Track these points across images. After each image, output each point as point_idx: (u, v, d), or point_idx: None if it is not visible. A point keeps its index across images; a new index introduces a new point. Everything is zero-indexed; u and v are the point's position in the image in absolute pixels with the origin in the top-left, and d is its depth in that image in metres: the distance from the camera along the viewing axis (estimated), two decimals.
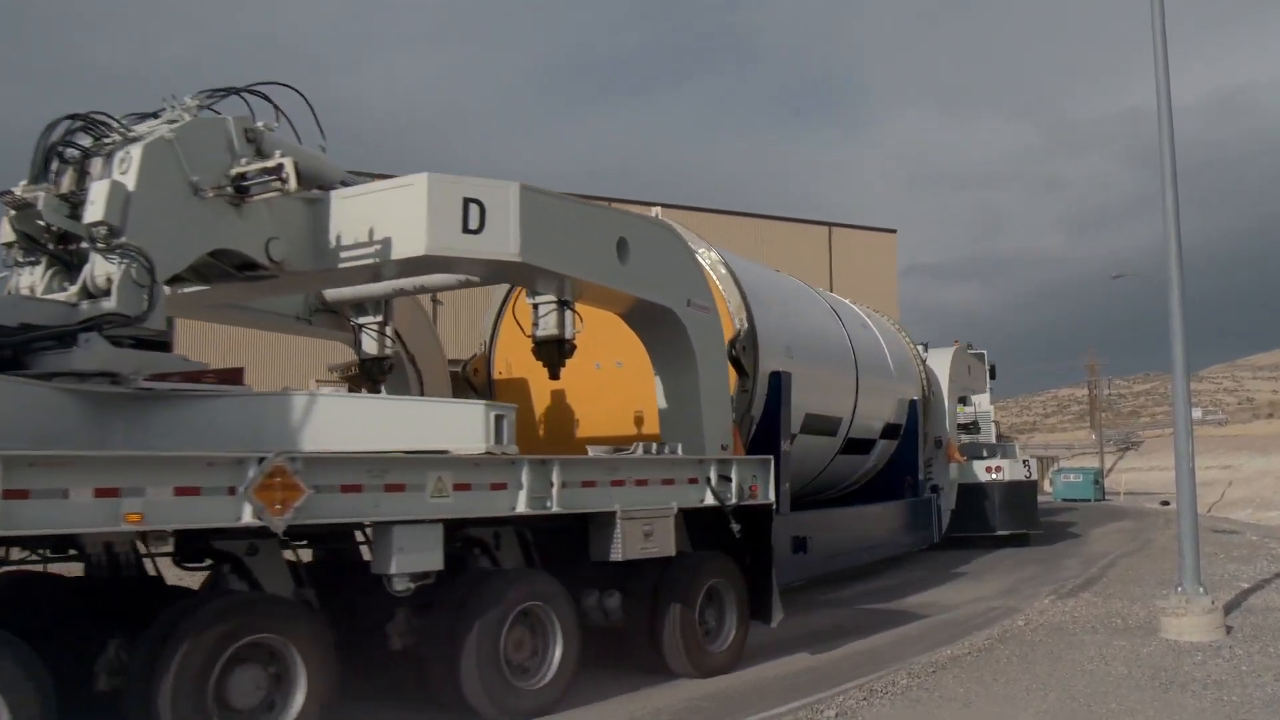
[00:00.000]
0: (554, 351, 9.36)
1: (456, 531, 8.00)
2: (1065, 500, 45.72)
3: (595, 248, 8.76)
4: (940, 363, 21.58)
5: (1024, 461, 23.35)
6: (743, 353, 12.08)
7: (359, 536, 8.37)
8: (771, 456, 10.52)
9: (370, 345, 10.88)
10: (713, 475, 9.60)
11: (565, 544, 8.97)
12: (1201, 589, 11.28)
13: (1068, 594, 14.36)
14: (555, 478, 7.99)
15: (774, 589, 10.11)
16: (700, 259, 11.98)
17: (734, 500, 9.75)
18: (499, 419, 7.35)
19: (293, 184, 7.21)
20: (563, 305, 9.28)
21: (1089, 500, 46.09)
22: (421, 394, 12.16)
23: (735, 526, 9.90)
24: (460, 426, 7.47)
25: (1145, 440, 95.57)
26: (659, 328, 9.89)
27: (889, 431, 17.99)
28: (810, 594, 14.61)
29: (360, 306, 10.88)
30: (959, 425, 23.44)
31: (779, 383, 12.69)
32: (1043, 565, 18.78)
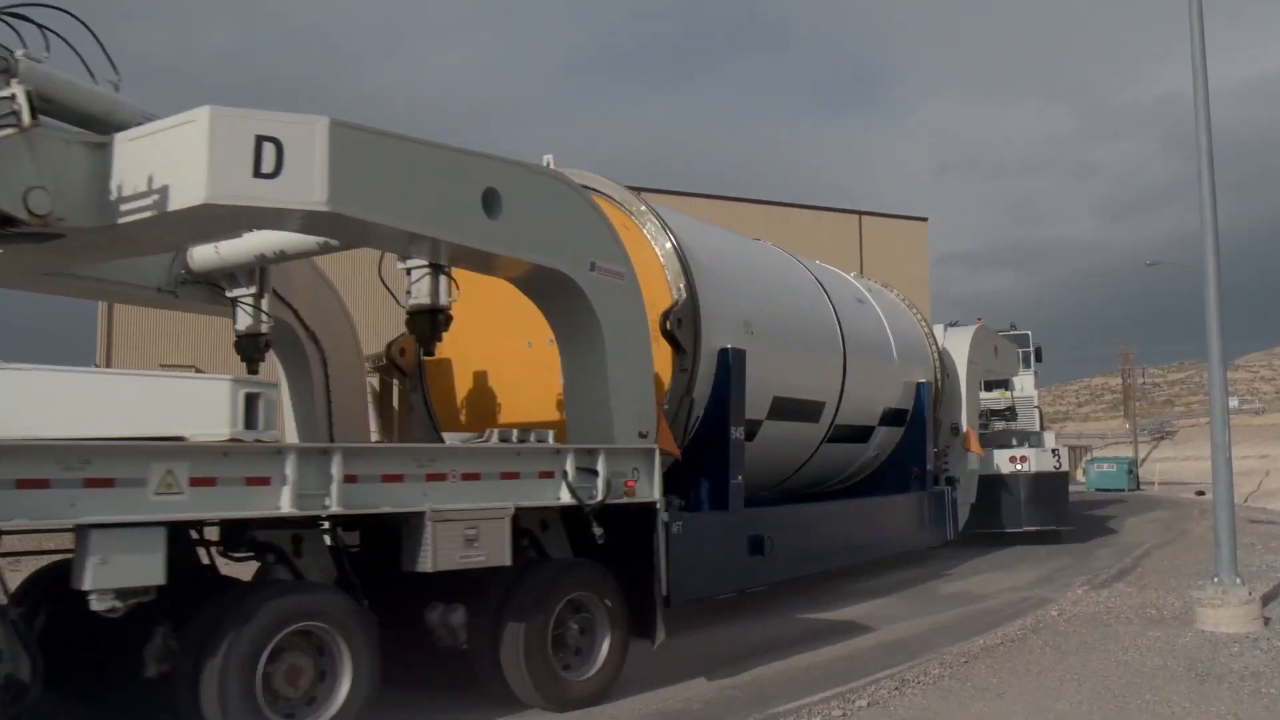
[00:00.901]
0: (427, 324, 8.37)
1: (241, 535, 7.01)
2: (1099, 490, 45.35)
3: (450, 199, 7.38)
4: (958, 343, 19.82)
5: (1053, 451, 20.83)
6: (678, 327, 10.62)
7: None
8: (655, 446, 8.84)
9: (244, 321, 9.73)
10: (569, 468, 8.02)
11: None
12: (1238, 579, 11.15)
13: (1102, 584, 14.25)
14: (336, 471, 6.67)
15: (658, 604, 8.57)
16: (634, 218, 11.01)
17: (599, 498, 8.18)
18: (251, 399, 6.28)
19: (26, 119, 5.97)
20: (436, 270, 8.27)
21: (1123, 490, 45.65)
22: (326, 377, 11.12)
23: (597, 531, 8.31)
24: (202, 408, 6.34)
25: (1180, 429, 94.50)
26: (555, 296, 8.68)
27: (892, 418, 16.51)
28: (841, 583, 14.56)
29: (233, 277, 9.68)
30: (992, 411, 22.34)
31: (730, 362, 11.21)
32: (1076, 555, 18.62)
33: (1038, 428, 24.71)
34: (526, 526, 8.10)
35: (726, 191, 45.08)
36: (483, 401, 11.57)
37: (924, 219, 52.84)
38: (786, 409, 13.12)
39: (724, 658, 9.78)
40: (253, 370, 9.89)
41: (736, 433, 11.23)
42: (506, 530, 7.49)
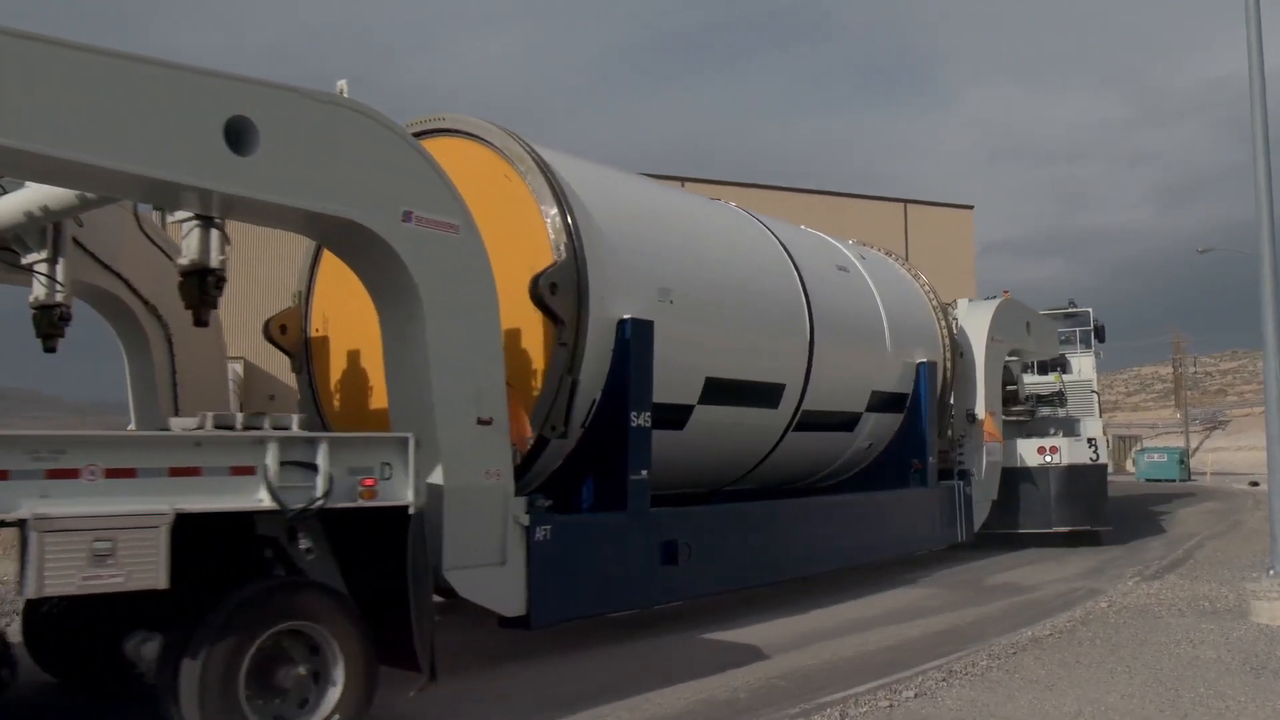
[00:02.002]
0: (195, 287, 7.22)
1: None
2: (1149, 480, 44.75)
3: (180, 131, 6.00)
4: (977, 319, 17.36)
5: (1089, 440, 18.40)
6: (552, 293, 8.87)
7: None
8: (408, 436, 6.72)
9: (38, 291, 8.51)
10: (270, 463, 6.14)
11: None
12: None
13: (1152, 576, 14.05)
14: None
15: (415, 633, 6.61)
16: (517, 168, 9.32)
17: (317, 501, 6.26)
18: None
19: None
20: (205, 223, 7.04)
21: (1174, 481, 44.96)
22: (171, 354, 9.74)
23: (304, 545, 6.60)
24: None
25: (1233, 419, 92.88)
26: (359, 254, 7.35)
27: (886, 403, 14.56)
28: (887, 574, 14.43)
29: (21, 241, 8.48)
30: (1039, 397, 20.57)
31: (629, 335, 9.47)
32: (1126, 547, 18.38)
33: (1096, 415, 22.62)
34: (265, 534, 6.59)
35: (773, 181, 44.91)
36: (353, 386, 10.09)
37: (969, 207, 52.26)
38: (728, 392, 11.20)
39: (770, 647, 9.76)
40: (49, 349, 8.67)
41: (639, 419, 9.49)
42: (161, 543, 5.68)
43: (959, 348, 16.61)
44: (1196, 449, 66.46)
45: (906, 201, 48.93)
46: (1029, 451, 18.04)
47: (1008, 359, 18.87)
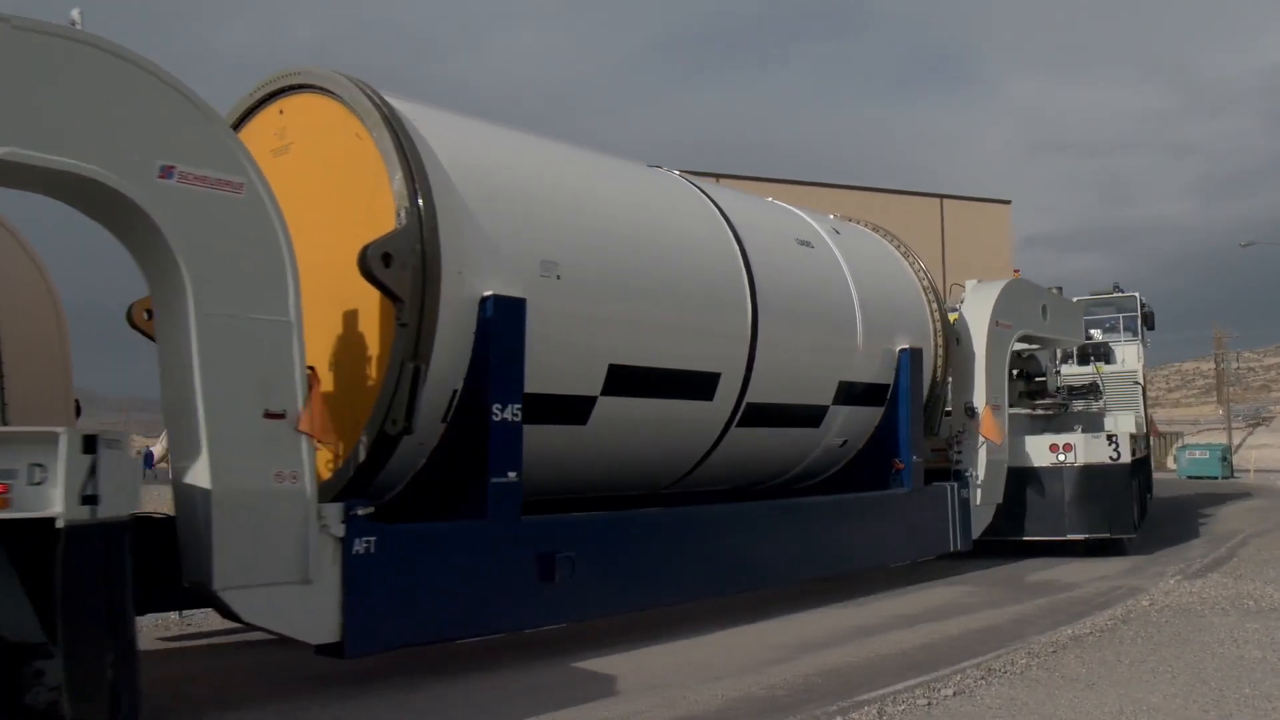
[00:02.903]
0: None
1: None
2: (1190, 478, 44.20)
3: None
4: (979, 302, 15.25)
5: (1109, 437, 16.07)
6: (385, 265, 7.45)
7: None
8: (60, 432, 5.33)
9: None
10: None
11: None
12: None
13: (1195, 574, 13.84)
14: None
15: (69, 677, 5.19)
16: (364, 122, 7.99)
17: None
18: None
19: None
20: None
21: (1215, 478, 44.35)
22: None
23: None
24: None
25: (1276, 415, 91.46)
26: (111, 219, 6.38)
27: (861, 395, 12.72)
28: (926, 571, 14.33)
29: None
30: (1071, 389, 18.88)
31: (493, 314, 8.04)
32: (1167, 544, 18.10)
33: (1140, 409, 20.93)
34: None
35: (807, 177, 44.74)
36: None
37: (1007, 201, 51.83)
38: (641, 381, 9.62)
39: (807, 643, 9.72)
40: None
41: (505, 412, 8.10)
42: None
43: (954, 334, 14.78)
44: (1239, 446, 65.50)
45: (943, 196, 48.63)
46: (1039, 449, 16.00)
47: (1031, 348, 17.55)
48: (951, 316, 15.08)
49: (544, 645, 9.37)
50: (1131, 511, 16.49)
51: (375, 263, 7.47)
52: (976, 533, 14.65)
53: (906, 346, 13.29)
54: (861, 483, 13.13)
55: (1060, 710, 7.09)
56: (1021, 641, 9.58)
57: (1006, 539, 15.61)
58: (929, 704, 7.30)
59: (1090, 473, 15.82)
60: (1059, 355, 20.72)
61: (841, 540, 12.22)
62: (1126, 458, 16.08)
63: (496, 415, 8.08)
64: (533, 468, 8.51)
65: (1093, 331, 22.49)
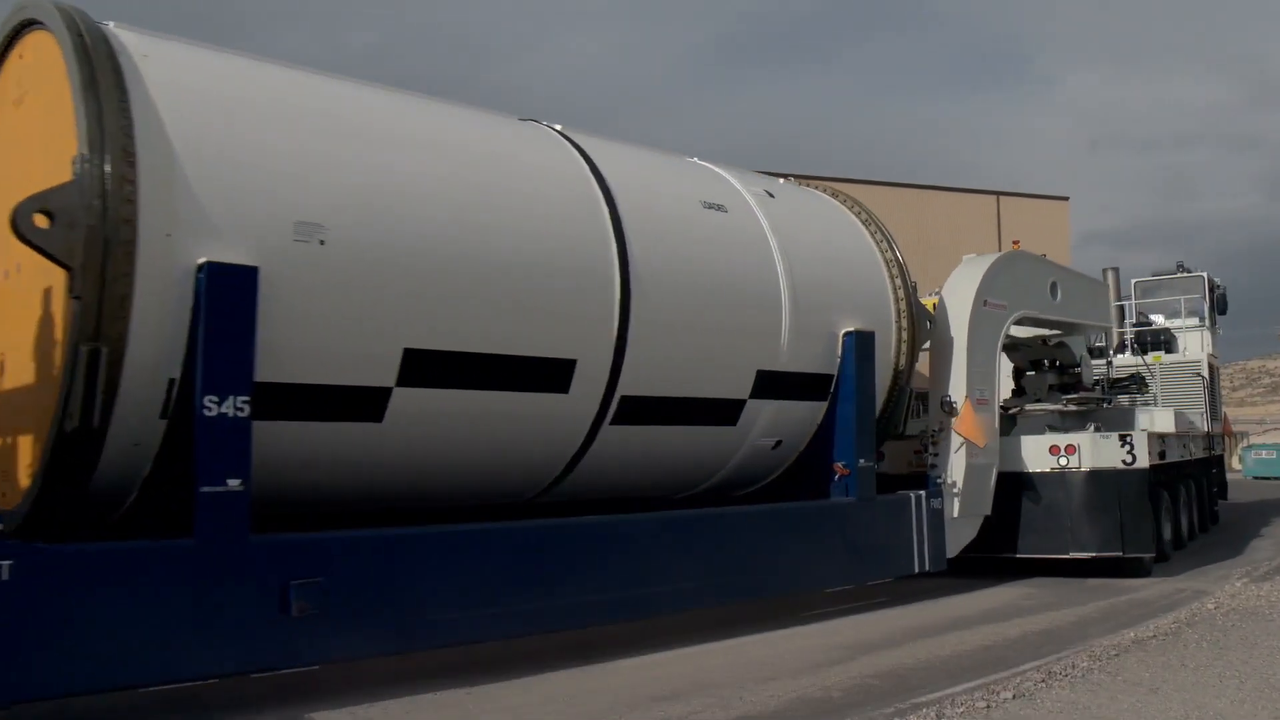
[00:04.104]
0: None
1: None
2: (1256, 478, 43.33)
3: None
4: (963, 280, 12.99)
5: (1121, 437, 13.42)
6: (43, 223, 6.01)
7: None
8: None
9: None
10: None
11: None
12: None
13: (1262, 577, 13.51)
14: None
15: None
16: (54, 36, 6.58)
17: None
18: None
19: None
20: None
21: None
22: None
23: None
24: None
25: None
26: None
27: (793, 387, 10.58)
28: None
29: None
30: (1113, 382, 16.88)
31: (207, 288, 6.47)
32: (1231, 546, 17.68)
33: (1203, 407, 18.75)
34: None
35: (865, 175, 44.47)
36: None
37: (1065, 198, 51.02)
38: (453, 369, 7.88)
39: (864, 645, 9.65)
40: None
41: (224, 406, 6.59)
42: None
43: (926, 315, 12.64)
44: None
45: (999, 194, 48.01)
46: (1037, 451, 13.48)
47: (1053, 333, 15.68)
48: (930, 302, 13.06)
49: (585, 641, 9.43)
50: (1149, 525, 13.67)
51: (27, 222, 6.00)
52: (955, 549, 12.42)
53: (853, 329, 11.08)
54: (804, 491, 11.13)
55: (1123, 715, 6.98)
56: (1082, 644, 9.42)
57: (998, 557, 13.33)
58: (988, 707, 7.22)
59: (1099, 479, 13.28)
60: (1111, 343, 19.07)
61: (759, 560, 10.14)
62: (1143, 461, 13.42)
63: (210, 409, 6.50)
64: (309, 473, 7.29)
65: (1153, 317, 21.04)
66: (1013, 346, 16.09)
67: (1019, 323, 14.49)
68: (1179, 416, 16.80)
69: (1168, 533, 15.18)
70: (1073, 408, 15.59)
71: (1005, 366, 16.27)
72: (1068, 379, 15.98)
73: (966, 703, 7.30)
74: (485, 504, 9.15)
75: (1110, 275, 21.24)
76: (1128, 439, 13.50)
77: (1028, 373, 16.40)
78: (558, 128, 9.82)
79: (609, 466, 9.47)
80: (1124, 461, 13.43)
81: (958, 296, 12.94)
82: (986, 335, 13.06)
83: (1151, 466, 13.91)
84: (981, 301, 12.87)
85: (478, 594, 7.94)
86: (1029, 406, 15.61)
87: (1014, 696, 7.45)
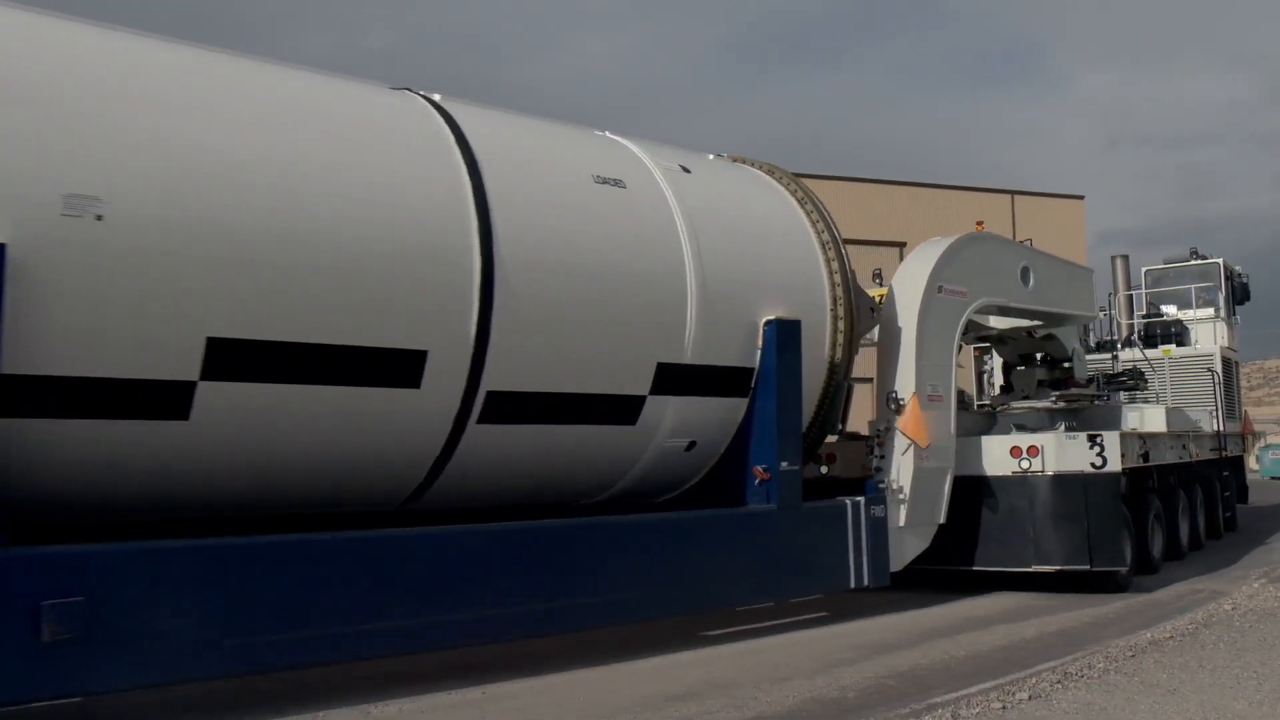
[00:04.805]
0: None
1: None
2: (1274, 478, 43.16)
3: None
4: (915, 264, 11.82)
5: (1091, 438, 11.97)
6: None
7: None
8: None
9: None
10: None
11: None
12: None
13: None
14: None
15: None
16: None
17: None
18: None
19: None
20: None
21: None
22: None
23: None
24: None
25: None
26: None
27: (704, 382, 9.44)
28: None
29: None
30: (1109, 377, 15.91)
31: None
32: (1248, 547, 17.57)
33: (1214, 405, 17.34)
34: None
35: (881, 174, 44.37)
36: None
37: (1080, 197, 50.88)
38: (271, 360, 6.92)
39: (880, 645, 9.61)
40: None
41: None
42: None
43: (868, 302, 11.42)
44: None
45: (1014, 193, 47.86)
46: (998, 454, 12.11)
47: (1031, 324, 14.52)
48: (878, 292, 11.87)
49: (600, 642, 9.42)
50: (1122, 535, 12.34)
51: None
52: (900, 562, 11.19)
53: (775, 317, 9.94)
54: (727, 497, 10.08)
55: (1139, 716, 6.95)
56: (1099, 645, 9.38)
57: (954, 569, 12.06)
58: (1004, 708, 7.20)
59: (1064, 484, 11.89)
60: (1122, 336, 18.36)
61: (653, 575, 9.01)
62: (1115, 464, 11.99)
63: None
64: (103, 477, 6.53)
65: (1165, 308, 19.90)
66: (1000, 340, 15.40)
67: (987, 311, 13.47)
68: (1174, 414, 15.64)
69: (1157, 543, 14.25)
70: (1061, 405, 14.50)
71: (997, 361, 16.01)
72: (1059, 374, 15.09)
73: (982, 703, 7.28)
74: (353, 512, 8.15)
75: (1119, 263, 20.51)
76: (1097, 439, 12.08)
77: (1017, 368, 15.57)
78: (436, 97, 8.71)
79: (488, 470, 8.48)
80: (1093, 464, 12.05)
81: (908, 283, 11.72)
82: (941, 325, 11.77)
83: (1133, 470, 13.00)
84: (936, 288, 11.66)
85: (270, 617, 6.83)
86: (1015, 404, 14.74)
87: (1030, 697, 7.42)
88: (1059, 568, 11.88)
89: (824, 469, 12.21)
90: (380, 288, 7.40)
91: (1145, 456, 13.45)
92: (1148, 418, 14.78)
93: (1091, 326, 17.13)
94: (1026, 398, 14.77)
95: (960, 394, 13.75)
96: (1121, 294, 20.14)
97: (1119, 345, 18.33)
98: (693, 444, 9.77)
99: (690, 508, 10.01)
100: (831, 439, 11.82)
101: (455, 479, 8.32)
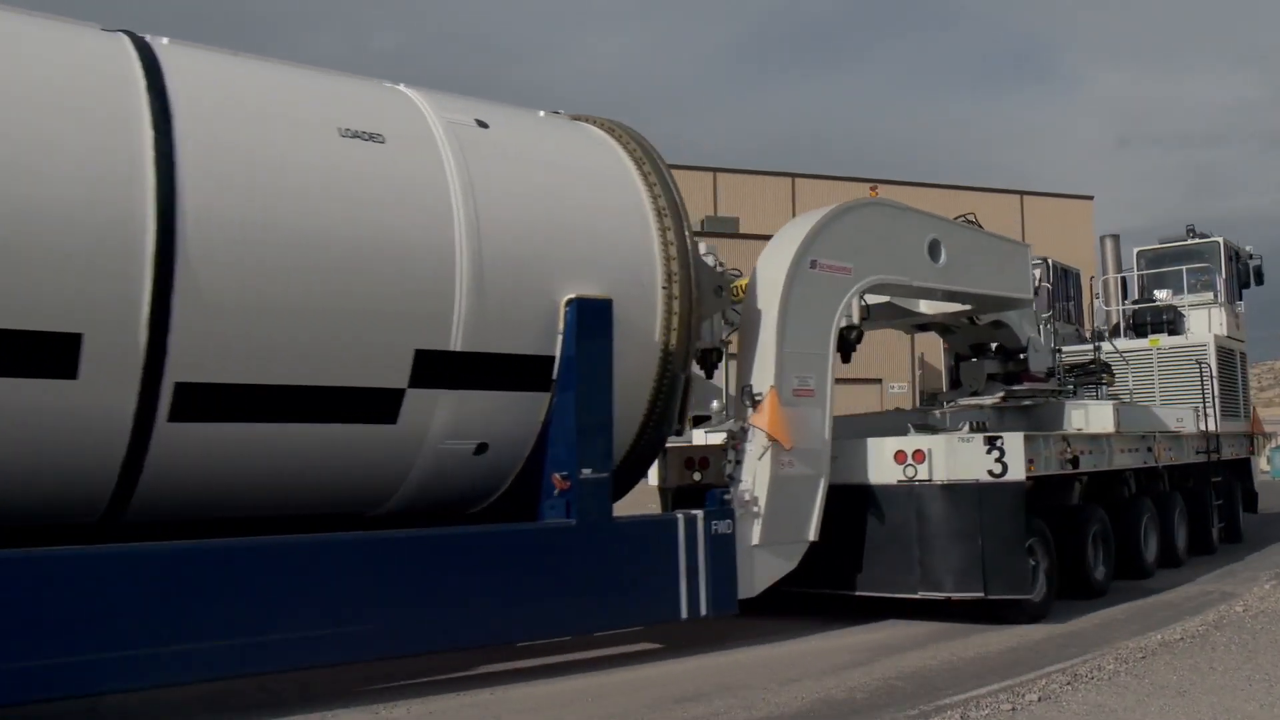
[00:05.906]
0: None
1: None
2: None
3: None
4: (784, 238, 10.10)
5: (989, 440, 10.06)
6: None
7: None
8: None
9: None
10: None
11: None
12: None
13: None
14: None
15: None
16: None
17: None
18: None
19: None
20: None
21: None
22: None
23: None
24: None
25: None
26: None
27: (480, 374, 8.00)
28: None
29: None
30: (1078, 368, 14.48)
31: None
32: (1259, 549, 17.46)
33: (1208, 400, 15.30)
34: None
35: (890, 176, 44.36)
36: None
37: (1089, 197, 50.96)
38: None
39: (889, 646, 9.58)
40: None
41: None
42: None
43: (712, 280, 9.65)
44: None
45: (1023, 193, 47.89)
46: (882, 459, 10.20)
47: (962, 309, 12.68)
48: (742, 283, 10.29)
49: (607, 645, 9.42)
50: (1022, 558, 10.11)
51: None
52: (756, 587, 9.43)
53: (576, 296, 8.40)
54: (529, 511, 8.60)
55: (1150, 719, 6.92)
56: (1109, 646, 9.34)
57: (835, 594, 10.36)
58: (1013, 709, 7.17)
59: (956, 495, 9.97)
60: (1110, 324, 16.90)
61: (403, 607, 7.39)
62: (1017, 472, 10.02)
63: None
64: None
65: (1158, 293, 17.74)
66: (946, 329, 13.78)
67: (886, 291, 11.43)
68: (1130, 412, 13.78)
69: (1099, 565, 11.98)
70: (1012, 404, 12.95)
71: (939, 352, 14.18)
72: (1014, 367, 13.24)
73: (991, 705, 7.25)
74: (53, 525, 6.90)
75: (1108, 244, 18.90)
76: (996, 443, 10.10)
77: (967, 360, 13.64)
78: (163, 41, 7.39)
79: (208, 476, 7.21)
80: (990, 472, 10.02)
81: (772, 257, 9.98)
82: (814, 306, 9.92)
83: (1056, 478, 11.25)
84: (807, 262, 9.86)
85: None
86: (962, 400, 13.07)
87: (1039, 699, 7.40)
88: (948, 595, 10.03)
89: (697, 475, 10.66)
90: (17, 264, 6.14)
91: (1074, 462, 11.36)
92: (1093, 416, 12.89)
93: (1063, 316, 15.76)
94: (975, 393, 13.06)
95: (934, 395, 13.34)
96: (1112, 277, 18.30)
97: (1106, 335, 16.79)
98: (483, 446, 8.32)
99: (496, 520, 8.65)
100: (716, 441, 10.36)
101: (165, 486, 7.03)
